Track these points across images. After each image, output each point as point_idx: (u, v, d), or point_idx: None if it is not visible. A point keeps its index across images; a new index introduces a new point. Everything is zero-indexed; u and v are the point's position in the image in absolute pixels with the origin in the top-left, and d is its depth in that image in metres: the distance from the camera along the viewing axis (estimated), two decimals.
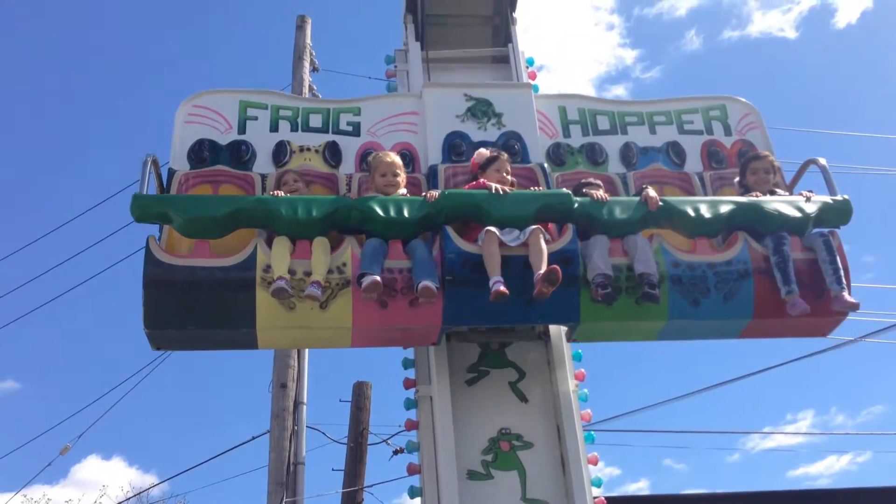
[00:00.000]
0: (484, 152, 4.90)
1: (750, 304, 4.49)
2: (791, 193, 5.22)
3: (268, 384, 8.68)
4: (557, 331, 4.98)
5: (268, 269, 4.24)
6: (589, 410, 4.71)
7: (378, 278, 4.11)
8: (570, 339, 4.74)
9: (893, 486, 8.40)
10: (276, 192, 4.46)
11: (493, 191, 4.47)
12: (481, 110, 5.33)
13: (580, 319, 4.41)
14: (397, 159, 4.77)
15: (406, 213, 4.40)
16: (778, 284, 4.46)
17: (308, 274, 4.24)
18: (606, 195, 4.71)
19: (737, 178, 5.14)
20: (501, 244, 4.32)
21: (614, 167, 5.30)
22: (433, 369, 4.73)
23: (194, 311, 4.23)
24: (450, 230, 4.40)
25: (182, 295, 4.21)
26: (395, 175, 4.69)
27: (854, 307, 4.44)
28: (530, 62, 6.03)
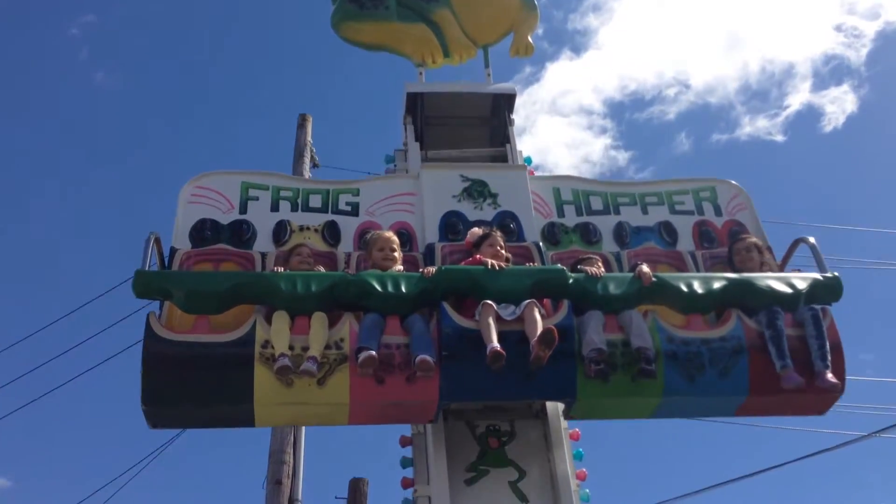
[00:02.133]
0: (477, 231, 5.01)
1: (745, 380, 4.52)
2: (783, 271, 5.32)
3: (262, 481, 8.58)
4: (555, 409, 4.98)
5: (266, 344, 4.28)
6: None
7: (374, 353, 4.16)
8: (567, 416, 4.75)
9: None
10: (276, 269, 4.53)
11: (490, 266, 4.56)
12: (477, 191, 5.46)
13: (577, 396, 4.43)
14: (394, 236, 4.87)
15: (403, 289, 4.47)
16: (772, 359, 4.50)
17: (306, 349, 4.28)
18: (602, 270, 4.80)
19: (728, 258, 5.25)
20: (498, 318, 4.38)
21: (608, 246, 5.40)
22: (432, 469, 4.70)
23: (192, 386, 4.25)
24: (447, 306, 4.46)
25: (181, 371, 4.24)
26: (392, 250, 4.79)
27: (834, 388, 4.47)
28: (528, 161, 6.18)
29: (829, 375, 4.46)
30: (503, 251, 4.88)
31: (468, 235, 5.02)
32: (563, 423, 4.88)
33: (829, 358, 4.51)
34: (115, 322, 10.42)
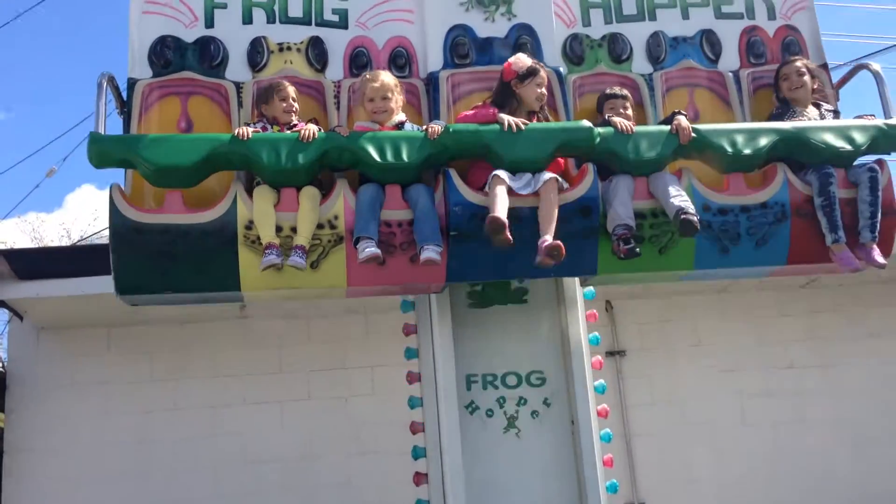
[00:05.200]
0: (525, 60, 4.13)
1: (784, 250, 4.09)
2: (837, 98, 4.65)
3: None
4: None
5: (250, 224, 3.77)
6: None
7: (377, 251, 3.66)
8: (583, 283, 4.38)
9: None
10: (244, 130, 3.82)
11: (507, 127, 3.89)
12: None
13: (598, 271, 4.03)
14: (387, 79, 4.10)
15: (405, 156, 3.84)
16: (822, 230, 4.03)
17: (295, 230, 3.78)
18: (632, 120, 4.14)
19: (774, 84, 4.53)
20: (511, 191, 3.82)
21: (639, 65, 4.62)
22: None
23: (171, 275, 3.80)
24: (454, 176, 3.88)
25: (156, 259, 3.76)
26: (386, 99, 4.06)
27: (878, 266, 4.03)
28: None
29: (876, 253, 4.03)
30: (546, 92, 4.15)
31: (513, 61, 4.13)
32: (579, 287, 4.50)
33: (879, 228, 4.05)
34: None
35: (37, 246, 17.77)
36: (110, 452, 7.21)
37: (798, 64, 4.49)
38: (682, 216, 3.76)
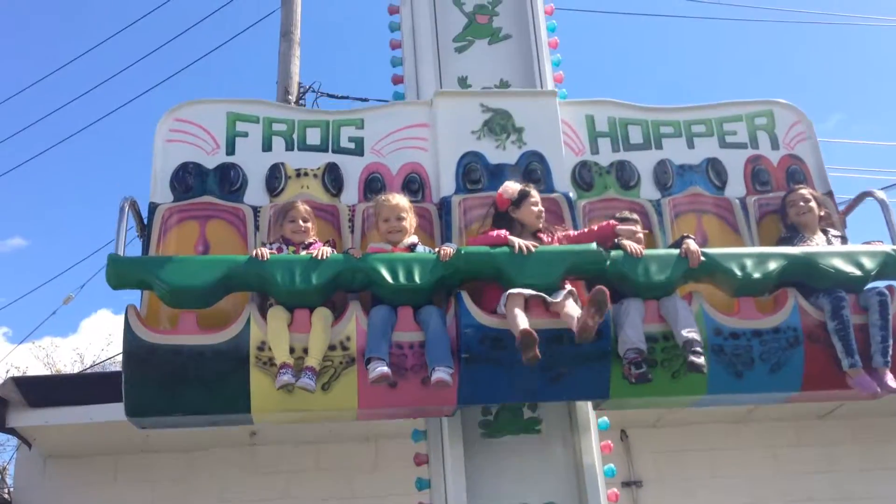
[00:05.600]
0: (514, 186, 4.30)
1: (799, 376, 4.04)
2: (844, 224, 4.71)
3: None
4: None
5: (262, 346, 3.78)
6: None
7: (387, 370, 3.66)
8: (596, 407, 4.34)
9: None
10: (261, 251, 3.91)
11: (517, 249, 3.96)
12: (500, 124, 4.71)
13: (610, 396, 3.99)
14: (402, 201, 4.21)
15: (417, 279, 3.90)
16: (838, 355, 3.99)
17: (307, 351, 3.79)
18: (642, 243, 4.20)
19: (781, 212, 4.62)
20: (525, 307, 3.83)
21: (647, 191, 4.73)
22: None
23: (182, 396, 3.78)
24: (465, 298, 3.90)
25: (168, 381, 3.76)
26: (400, 219, 4.16)
27: (892, 391, 3.98)
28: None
29: (890, 378, 3.98)
30: (540, 208, 4.25)
31: (502, 191, 4.29)
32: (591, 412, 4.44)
33: (891, 353, 4.01)
34: None
35: (49, 372, 17.77)
36: None
37: (803, 191, 4.59)
38: (689, 358, 3.78)
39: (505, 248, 3.98)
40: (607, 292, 3.66)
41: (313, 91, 9.30)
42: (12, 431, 6.92)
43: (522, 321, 3.71)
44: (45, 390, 6.92)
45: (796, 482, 7.69)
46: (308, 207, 4.26)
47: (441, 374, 3.67)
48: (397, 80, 5.21)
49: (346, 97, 10.41)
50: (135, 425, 3.96)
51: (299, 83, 9.15)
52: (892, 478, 7.73)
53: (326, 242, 4.19)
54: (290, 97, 8.99)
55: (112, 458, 7.30)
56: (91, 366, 17.10)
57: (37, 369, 18.46)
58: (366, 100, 10.52)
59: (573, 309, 3.79)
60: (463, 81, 5.07)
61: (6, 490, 12.48)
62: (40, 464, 7.35)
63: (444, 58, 5.13)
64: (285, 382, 3.65)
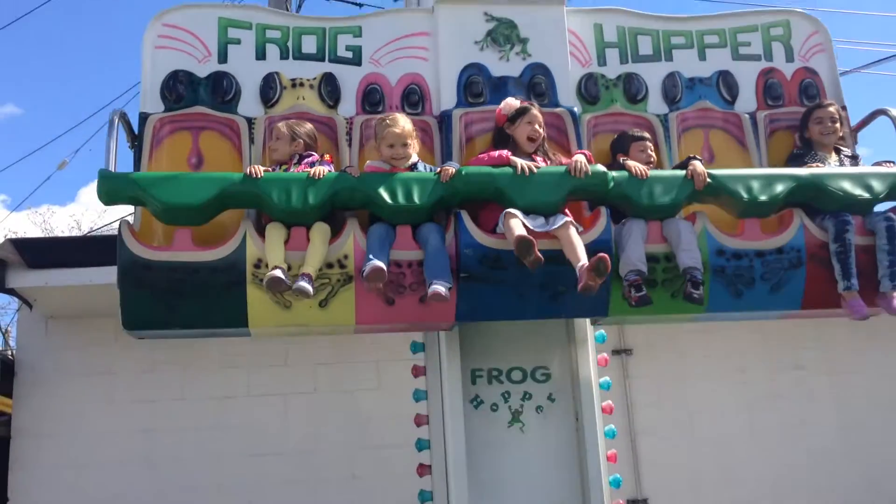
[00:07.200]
0: (513, 103, 4.18)
1: (799, 296, 4.01)
2: (856, 140, 4.60)
3: None
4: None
5: (258, 263, 3.73)
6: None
7: (381, 264, 3.60)
8: (593, 322, 4.32)
9: None
10: (255, 169, 3.81)
11: (519, 170, 3.85)
12: (504, 34, 4.52)
13: (608, 314, 3.96)
14: (407, 126, 4.06)
15: (416, 198, 3.81)
16: (835, 276, 3.96)
17: (305, 262, 3.74)
18: (647, 164, 4.10)
19: (795, 131, 4.50)
20: (525, 226, 3.76)
21: (654, 106, 4.58)
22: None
23: (178, 312, 3.76)
24: (465, 218, 3.83)
25: (163, 297, 3.73)
26: (405, 146, 4.03)
27: None
28: None
29: (895, 298, 3.95)
30: (541, 129, 4.13)
31: (502, 106, 4.18)
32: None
33: None
34: None
35: (47, 236, 17.81)
36: (115, 440, 7.16)
37: (832, 110, 4.43)
38: (687, 290, 3.76)
39: (507, 169, 3.87)
40: (608, 261, 3.56)
41: None
42: (12, 292, 6.98)
43: (519, 229, 3.64)
44: (43, 252, 6.90)
45: (784, 351, 7.88)
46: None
47: (438, 286, 3.61)
48: None
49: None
50: (132, 337, 3.95)
51: None
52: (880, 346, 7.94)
53: (323, 156, 4.09)
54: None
55: (112, 319, 7.14)
56: (88, 232, 17.16)
57: (34, 234, 18.52)
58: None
59: (574, 239, 3.73)
60: None
61: (10, 351, 12.72)
62: (42, 324, 7.46)
63: None
64: (275, 277, 3.54)
